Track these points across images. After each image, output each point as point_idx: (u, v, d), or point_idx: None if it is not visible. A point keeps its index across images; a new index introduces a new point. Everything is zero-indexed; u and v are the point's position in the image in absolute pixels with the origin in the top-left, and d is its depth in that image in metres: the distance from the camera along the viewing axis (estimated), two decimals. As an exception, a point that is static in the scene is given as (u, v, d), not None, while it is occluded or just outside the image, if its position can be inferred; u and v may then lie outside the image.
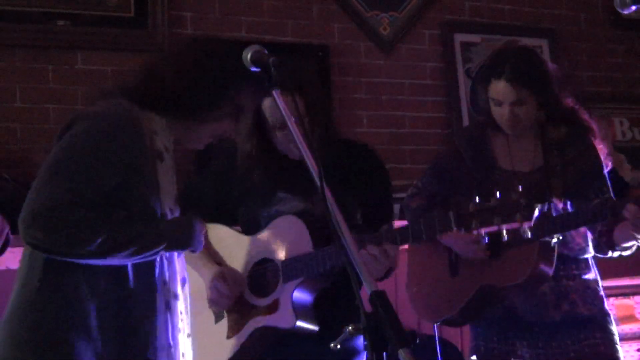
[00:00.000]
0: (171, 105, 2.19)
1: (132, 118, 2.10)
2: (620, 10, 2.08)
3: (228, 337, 2.69)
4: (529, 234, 2.23)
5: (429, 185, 3.03)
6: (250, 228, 2.76)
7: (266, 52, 2.10)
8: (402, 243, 2.51)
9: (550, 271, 2.73)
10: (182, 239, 2.15)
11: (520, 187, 2.24)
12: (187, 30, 4.16)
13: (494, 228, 2.24)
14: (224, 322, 2.72)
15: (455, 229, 2.32)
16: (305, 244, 2.58)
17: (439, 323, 3.05)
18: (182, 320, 2.25)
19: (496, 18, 4.89)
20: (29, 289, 2.05)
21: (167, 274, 2.18)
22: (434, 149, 4.57)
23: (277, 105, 2.00)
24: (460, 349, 4.12)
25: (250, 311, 2.67)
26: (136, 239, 2.02)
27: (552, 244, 2.71)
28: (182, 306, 2.25)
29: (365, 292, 1.56)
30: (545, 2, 5.03)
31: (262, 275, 2.68)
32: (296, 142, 1.91)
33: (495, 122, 2.91)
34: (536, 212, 2.20)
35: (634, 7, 2.05)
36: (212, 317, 2.74)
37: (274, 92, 2.02)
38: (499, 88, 2.80)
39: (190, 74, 2.20)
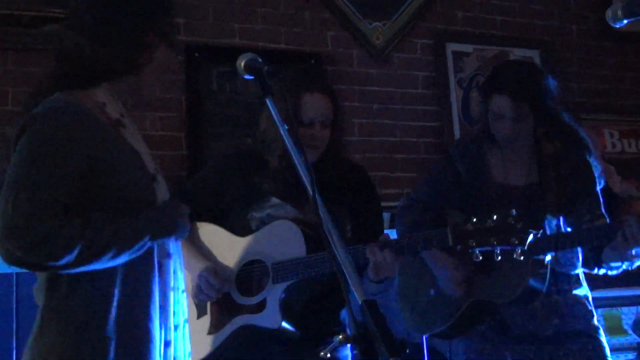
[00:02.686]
0: (102, 71, 2.11)
1: (75, 108, 2.03)
2: (612, 24, 2.10)
3: (209, 332, 2.69)
4: (522, 258, 2.25)
5: (422, 196, 3.03)
6: (241, 230, 2.77)
7: (260, 60, 2.11)
8: (398, 254, 2.53)
9: (542, 288, 2.73)
10: (164, 227, 2.09)
11: (514, 211, 2.26)
12: (180, 37, 4.16)
13: (489, 249, 2.26)
14: (206, 319, 2.72)
15: (452, 244, 2.35)
16: (299, 249, 2.60)
17: (427, 336, 3.05)
18: (177, 278, 2.20)
19: (488, 28, 4.91)
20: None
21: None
22: (425, 158, 4.58)
23: (271, 112, 2.01)
24: (449, 359, 4.12)
25: (235, 309, 2.67)
26: (115, 240, 1.96)
27: (545, 262, 2.72)
28: (175, 264, 2.19)
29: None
30: (538, 14, 5.05)
31: (251, 275, 2.70)
32: (289, 150, 1.93)
33: (491, 135, 2.92)
34: (530, 237, 2.22)
35: (625, 21, 2.06)
36: (194, 313, 2.73)
37: (267, 100, 2.03)
38: (501, 103, 2.81)
39: (102, 33, 2.10)
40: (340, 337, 1.56)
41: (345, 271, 1.65)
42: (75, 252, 1.90)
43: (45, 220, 1.88)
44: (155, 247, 2.12)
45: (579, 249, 2.86)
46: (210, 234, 2.79)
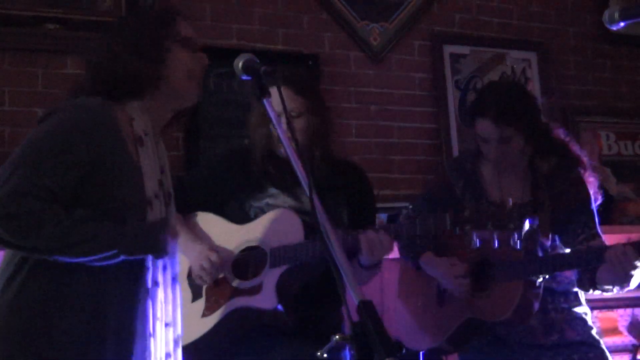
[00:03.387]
0: (129, 84, 2.15)
1: (101, 111, 2.08)
2: (608, 26, 2.10)
3: (204, 315, 2.70)
4: (518, 245, 2.26)
5: (420, 211, 3.03)
6: (239, 219, 2.79)
7: (257, 60, 2.12)
8: (396, 239, 2.55)
9: (536, 307, 2.73)
10: (138, 246, 2.05)
11: (510, 200, 2.27)
12: (177, 37, 4.16)
13: (486, 233, 2.27)
14: (201, 302, 2.73)
15: (450, 227, 2.36)
16: (297, 236, 2.62)
17: (424, 352, 3.06)
18: (160, 309, 2.17)
19: (485, 30, 4.92)
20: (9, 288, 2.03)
21: (149, 261, 2.12)
22: (422, 159, 4.59)
23: (268, 109, 2.03)
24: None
25: (230, 292, 2.69)
26: (88, 241, 1.96)
27: (537, 283, 2.72)
28: (161, 294, 2.18)
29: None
30: (535, 16, 5.06)
31: (248, 260, 2.72)
32: (286, 148, 1.94)
33: (483, 155, 2.93)
34: (526, 225, 2.23)
35: (622, 24, 2.07)
36: (189, 296, 2.74)
37: (264, 101, 2.04)
38: (484, 126, 2.80)
39: (122, 50, 2.16)
40: (338, 337, 1.56)
41: (342, 273, 1.65)
42: (45, 237, 1.92)
43: (25, 200, 1.92)
44: (149, 271, 2.11)
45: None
46: (209, 221, 2.82)
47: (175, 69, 2.20)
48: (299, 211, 2.69)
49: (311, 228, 2.60)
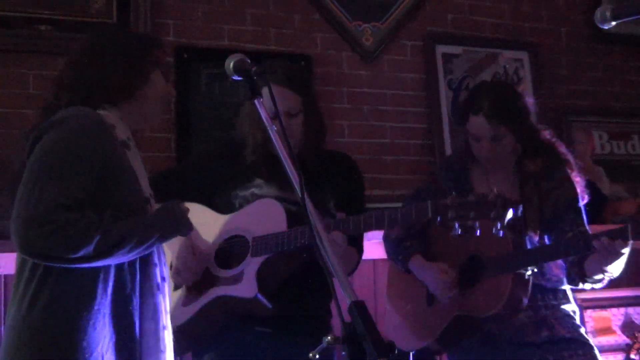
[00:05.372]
0: (110, 92, 2.25)
1: (97, 117, 2.16)
2: (600, 26, 2.10)
3: (184, 304, 2.72)
4: (501, 233, 2.26)
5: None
6: (225, 209, 2.81)
7: (248, 61, 2.12)
8: (378, 228, 2.53)
9: (525, 301, 2.74)
10: (170, 226, 2.20)
11: (495, 188, 2.27)
12: (169, 38, 4.15)
13: (468, 222, 2.27)
14: (182, 291, 2.75)
15: (431, 216, 2.34)
16: (280, 225, 2.63)
17: (414, 352, 3.06)
18: (168, 302, 2.34)
19: (478, 30, 4.92)
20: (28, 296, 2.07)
21: (155, 257, 2.25)
22: (414, 160, 4.58)
23: (260, 110, 2.03)
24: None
25: (212, 281, 2.70)
26: (129, 237, 2.05)
27: (527, 277, 2.72)
28: (167, 288, 2.32)
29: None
30: (527, 16, 5.07)
31: (231, 250, 2.73)
32: (277, 149, 1.94)
33: (473, 155, 2.94)
34: (510, 214, 2.22)
35: (613, 23, 2.07)
36: (171, 285, 2.75)
37: (256, 101, 2.04)
38: (477, 124, 2.82)
39: (111, 57, 2.27)
40: (329, 338, 1.55)
41: (333, 272, 1.65)
42: (94, 243, 1.98)
43: (65, 211, 1.97)
44: (157, 267, 2.23)
45: (564, 266, 2.87)
46: (194, 211, 2.82)
47: (154, 89, 2.34)
48: (284, 200, 2.70)
49: (295, 217, 2.61)
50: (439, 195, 2.92)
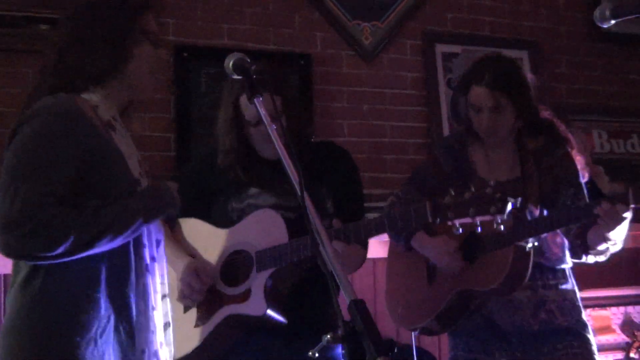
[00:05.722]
0: (86, 77, 2.18)
1: (70, 106, 2.10)
2: (599, 24, 2.11)
3: (196, 325, 2.69)
4: (502, 227, 2.25)
5: (408, 194, 3.04)
6: (223, 222, 2.78)
7: (248, 60, 2.12)
8: (379, 233, 2.52)
9: (526, 275, 2.74)
10: (156, 206, 2.17)
11: (492, 182, 2.27)
12: (169, 37, 4.15)
13: (468, 220, 2.26)
14: (193, 312, 2.72)
15: (431, 219, 2.34)
16: (281, 236, 2.61)
17: (417, 332, 3.05)
18: (160, 283, 2.28)
19: (477, 29, 4.92)
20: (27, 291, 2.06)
21: (145, 238, 2.20)
22: (414, 159, 4.58)
23: (257, 110, 2.02)
24: (438, 359, 4.13)
25: (220, 300, 2.68)
26: (109, 227, 2.02)
27: (527, 249, 2.73)
28: (157, 269, 2.27)
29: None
30: (526, 15, 5.07)
31: (235, 265, 2.71)
32: (275, 146, 1.93)
33: (475, 132, 2.94)
34: (509, 206, 2.22)
35: (613, 21, 2.08)
36: (180, 307, 2.74)
37: (255, 100, 2.03)
38: (479, 93, 2.83)
39: (91, 37, 2.18)
40: (329, 336, 1.55)
41: (334, 272, 1.65)
42: (70, 241, 1.95)
43: (42, 211, 1.94)
44: (146, 248, 2.19)
45: (566, 245, 2.88)
46: (193, 228, 2.81)
47: (140, 63, 2.24)
48: (281, 207, 2.68)
49: (295, 225, 2.59)
50: (439, 176, 2.94)
